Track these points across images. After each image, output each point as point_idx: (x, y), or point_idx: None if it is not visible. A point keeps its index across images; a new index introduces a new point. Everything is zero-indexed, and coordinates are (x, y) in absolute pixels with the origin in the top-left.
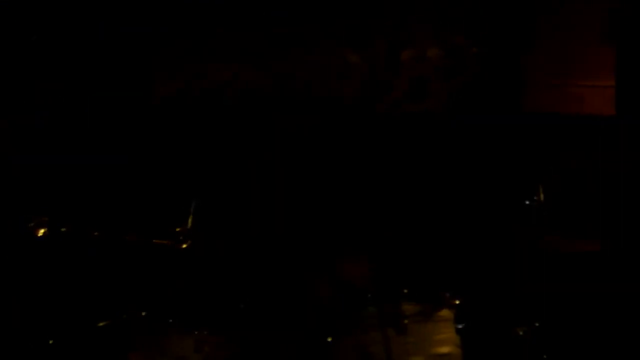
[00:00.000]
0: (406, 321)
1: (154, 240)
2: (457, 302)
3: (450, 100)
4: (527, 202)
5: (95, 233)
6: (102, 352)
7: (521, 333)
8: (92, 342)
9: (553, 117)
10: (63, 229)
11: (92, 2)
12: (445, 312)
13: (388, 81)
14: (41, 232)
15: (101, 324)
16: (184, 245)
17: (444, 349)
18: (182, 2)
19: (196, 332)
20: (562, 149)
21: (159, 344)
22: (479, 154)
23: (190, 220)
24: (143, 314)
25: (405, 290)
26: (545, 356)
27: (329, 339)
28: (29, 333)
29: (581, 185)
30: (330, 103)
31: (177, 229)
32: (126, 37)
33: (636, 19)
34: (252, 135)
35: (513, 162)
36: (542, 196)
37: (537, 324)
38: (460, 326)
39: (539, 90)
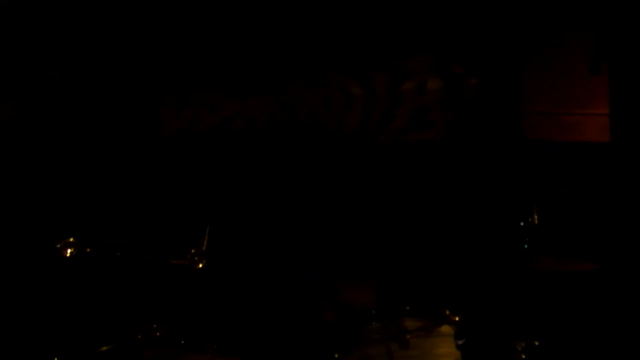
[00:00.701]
0: (408, 336)
1: (171, 261)
2: (457, 318)
3: (449, 129)
4: (522, 224)
5: (117, 254)
6: None
7: (519, 349)
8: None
9: (550, 145)
10: (88, 250)
11: (97, 42)
12: (445, 328)
13: (390, 111)
14: (69, 252)
15: (113, 344)
16: (200, 266)
17: None
18: (187, 36)
19: (208, 353)
20: (557, 174)
21: None
22: (476, 179)
23: (205, 242)
24: (158, 334)
25: (408, 307)
26: None
27: (336, 355)
28: (42, 349)
29: (575, 209)
30: (335, 133)
31: (193, 250)
32: (132, 73)
33: (626, 48)
34: (259, 165)
35: (509, 188)
36: (536, 219)
37: (536, 343)
38: (460, 342)
39: (536, 118)
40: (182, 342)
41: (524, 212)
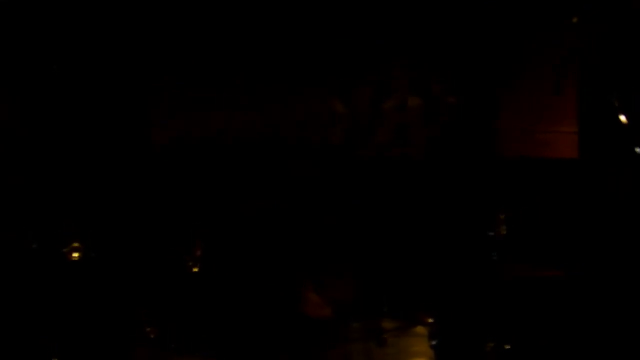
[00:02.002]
0: (385, 335)
1: (165, 264)
2: (431, 320)
3: (429, 146)
4: (491, 234)
5: (113, 256)
6: None
7: (489, 350)
8: None
9: (522, 160)
10: (92, 254)
11: (85, 54)
12: (420, 329)
13: (371, 128)
14: (75, 256)
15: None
16: (195, 270)
17: None
18: (176, 49)
19: (199, 355)
20: (527, 189)
21: None
22: (452, 192)
23: (198, 247)
24: (152, 336)
25: (385, 309)
26: None
27: (317, 352)
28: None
29: (543, 219)
30: (319, 148)
31: (187, 255)
32: (122, 84)
33: (594, 68)
34: (248, 177)
35: (482, 200)
36: (503, 228)
37: (507, 346)
38: (433, 342)
39: (510, 136)
40: (173, 345)
41: (494, 223)
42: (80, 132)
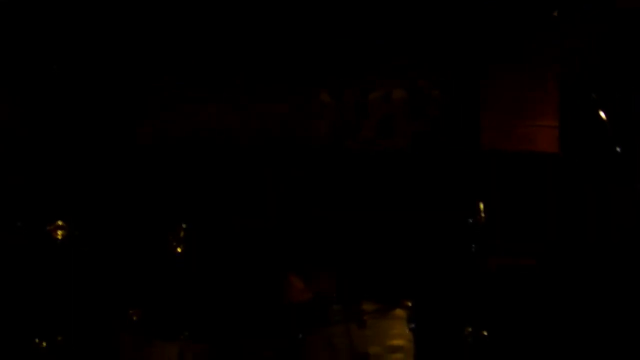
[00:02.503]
0: (365, 317)
1: (148, 244)
2: (409, 304)
3: (413, 138)
4: (470, 221)
5: (98, 236)
6: (90, 355)
7: (466, 334)
8: (79, 344)
9: (503, 154)
10: (76, 233)
11: (73, 51)
12: (399, 312)
13: (357, 121)
14: (60, 234)
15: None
16: (179, 250)
17: (398, 342)
18: (162, 48)
19: (181, 338)
20: (508, 182)
21: (143, 350)
22: (434, 184)
23: (183, 227)
24: (134, 318)
25: (366, 292)
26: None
27: (300, 335)
28: (18, 333)
29: (522, 211)
30: (305, 141)
31: (170, 236)
32: (112, 82)
33: (575, 65)
34: (233, 170)
35: (464, 191)
36: (483, 217)
37: (484, 332)
38: (412, 325)
39: (492, 130)
40: (156, 329)
41: (474, 212)
42: (71, 124)
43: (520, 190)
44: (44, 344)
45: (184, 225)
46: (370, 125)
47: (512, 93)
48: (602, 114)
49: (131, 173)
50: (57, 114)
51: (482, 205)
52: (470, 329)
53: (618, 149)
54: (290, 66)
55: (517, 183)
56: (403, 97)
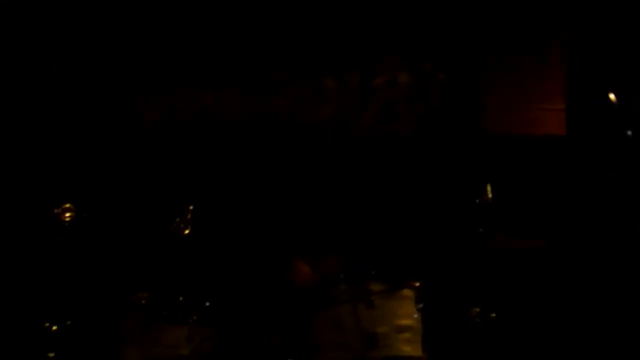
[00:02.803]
0: (373, 297)
1: (156, 226)
2: (417, 284)
3: (418, 122)
4: (477, 201)
5: (106, 219)
6: (98, 338)
7: (474, 314)
8: (90, 327)
9: (510, 137)
10: (84, 215)
11: (73, 36)
12: (406, 292)
13: (362, 106)
14: (67, 217)
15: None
16: (186, 232)
17: (406, 322)
18: (165, 28)
19: (190, 322)
20: (514, 165)
21: (152, 333)
22: (440, 168)
23: (190, 209)
24: (143, 301)
25: (373, 272)
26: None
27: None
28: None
29: (528, 191)
30: (309, 127)
31: (177, 219)
32: (112, 66)
33: (582, 48)
34: (239, 155)
35: (470, 174)
36: (490, 197)
37: (492, 314)
38: (420, 305)
39: (498, 113)
40: (164, 312)
41: (481, 193)
42: (78, 108)
43: (525, 173)
44: (55, 327)
45: (190, 207)
46: (374, 110)
47: (517, 76)
48: (612, 96)
49: (138, 157)
50: (64, 100)
51: (489, 187)
52: (477, 310)
53: (629, 132)
54: (294, 52)
55: (523, 166)
56: (408, 82)
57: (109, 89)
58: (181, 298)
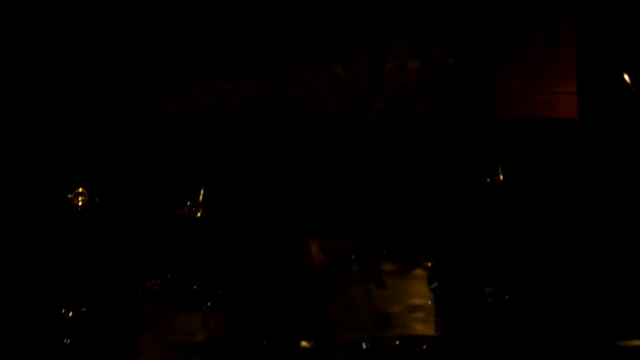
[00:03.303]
0: (385, 277)
1: (168, 210)
2: (429, 264)
3: (429, 108)
4: (488, 180)
5: (122, 204)
6: (113, 325)
7: (487, 293)
8: (105, 314)
9: (522, 121)
10: (96, 199)
11: (83, 30)
12: (419, 272)
13: (372, 91)
14: (80, 202)
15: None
16: (198, 215)
17: (419, 301)
18: (176, 20)
19: (205, 308)
20: (526, 150)
21: (167, 319)
22: (453, 150)
23: (202, 193)
24: (157, 288)
25: (385, 252)
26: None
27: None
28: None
29: (541, 173)
30: (320, 114)
31: (189, 202)
32: (125, 57)
33: (593, 32)
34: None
35: (481, 157)
36: (501, 177)
37: (507, 296)
38: (433, 285)
39: (510, 97)
40: (177, 298)
41: (492, 173)
42: (91, 96)
43: (536, 157)
44: (70, 313)
45: (202, 190)
46: (384, 96)
47: (528, 59)
48: (626, 77)
49: (151, 144)
50: (77, 88)
51: (499, 168)
52: (490, 289)
53: None
54: (304, 39)
55: (535, 150)
56: (418, 67)
57: (124, 80)
58: (195, 284)
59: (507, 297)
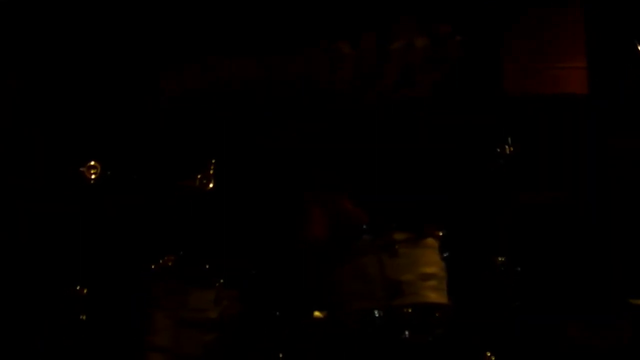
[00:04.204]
0: (397, 246)
1: (179, 183)
2: (441, 233)
3: (437, 86)
4: (498, 150)
5: (134, 177)
6: (126, 302)
7: (499, 262)
8: (117, 291)
9: (530, 97)
10: (108, 173)
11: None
12: (430, 241)
13: (379, 70)
14: (93, 175)
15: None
16: (210, 186)
17: (431, 269)
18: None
19: (217, 285)
20: (535, 126)
21: (179, 297)
22: (460, 126)
23: (212, 165)
24: (170, 264)
25: (394, 224)
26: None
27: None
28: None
29: (550, 147)
30: (326, 92)
31: (199, 175)
32: (129, 38)
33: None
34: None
35: (489, 132)
36: (509, 148)
37: (518, 269)
38: (445, 254)
39: (518, 73)
40: (190, 276)
41: (501, 145)
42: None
43: (545, 134)
44: (85, 290)
45: (213, 161)
46: (391, 74)
47: (536, 34)
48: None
49: (159, 119)
50: (88, 65)
51: (509, 139)
52: (502, 259)
53: None
54: (311, 17)
55: (543, 126)
56: (426, 45)
57: (133, 60)
58: (207, 262)
59: (519, 269)
